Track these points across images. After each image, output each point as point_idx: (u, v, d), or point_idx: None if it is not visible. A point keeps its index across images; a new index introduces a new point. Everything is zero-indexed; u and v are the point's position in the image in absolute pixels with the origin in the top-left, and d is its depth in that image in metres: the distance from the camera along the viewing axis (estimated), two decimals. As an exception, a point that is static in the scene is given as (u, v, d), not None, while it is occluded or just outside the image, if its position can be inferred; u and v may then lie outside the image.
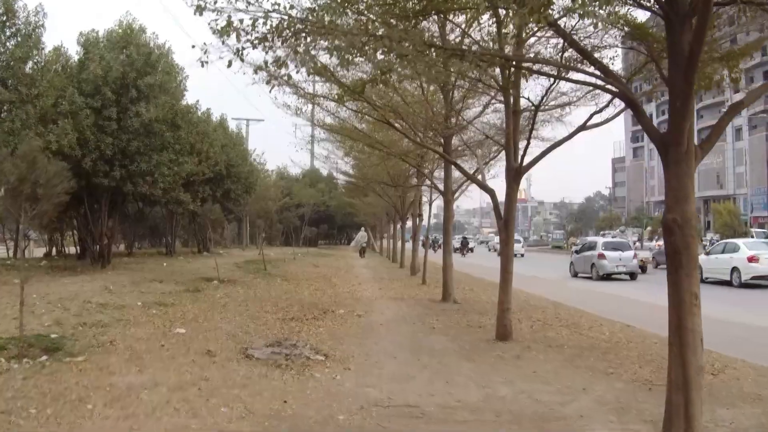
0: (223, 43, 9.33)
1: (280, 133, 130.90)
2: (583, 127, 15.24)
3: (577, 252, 48.28)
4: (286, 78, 12.05)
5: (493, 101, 21.76)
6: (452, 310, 22.05)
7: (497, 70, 15.85)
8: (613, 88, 9.78)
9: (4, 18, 25.53)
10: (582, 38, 12.72)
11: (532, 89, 39.81)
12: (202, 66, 9.74)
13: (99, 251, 32.12)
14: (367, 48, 9.26)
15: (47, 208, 13.19)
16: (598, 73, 9.85)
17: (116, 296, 21.25)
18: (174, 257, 43.54)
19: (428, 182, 32.91)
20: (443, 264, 25.12)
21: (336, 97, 19.65)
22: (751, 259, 33.45)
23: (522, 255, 71.23)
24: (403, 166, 35.93)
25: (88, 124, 27.55)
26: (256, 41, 9.35)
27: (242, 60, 9.83)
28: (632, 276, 41.04)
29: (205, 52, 9.68)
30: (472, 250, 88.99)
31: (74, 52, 30.72)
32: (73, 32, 73.04)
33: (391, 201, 47.25)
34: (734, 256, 35.17)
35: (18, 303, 12.92)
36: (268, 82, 10.57)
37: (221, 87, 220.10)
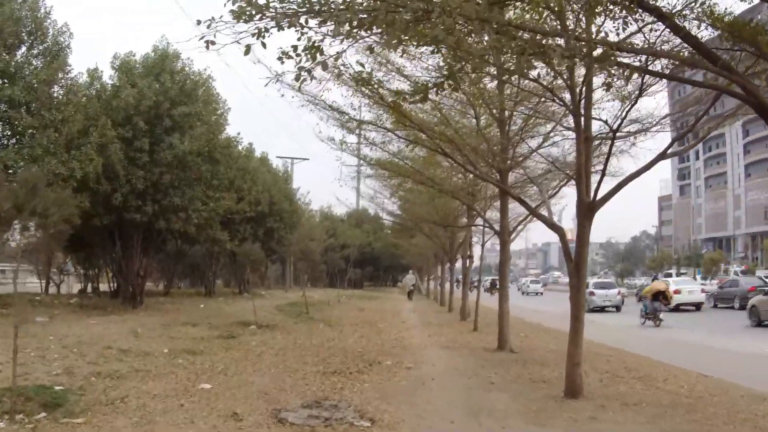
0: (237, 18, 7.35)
1: (326, 171, 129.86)
2: (663, 156, 13.33)
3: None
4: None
5: (558, 128, 19.84)
6: (510, 360, 19.77)
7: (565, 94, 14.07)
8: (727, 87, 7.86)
9: (33, 37, 24.15)
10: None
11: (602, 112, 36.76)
12: (207, 48, 7.55)
13: (131, 291, 30.53)
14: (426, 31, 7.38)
15: (45, 240, 11.47)
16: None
17: (142, 341, 19.72)
18: (213, 298, 41.99)
19: (480, 221, 30.95)
20: (499, 310, 22.74)
21: (384, 124, 17.89)
22: (675, 292, 44.29)
23: (541, 293, 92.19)
24: (453, 204, 34.30)
25: (120, 157, 26.04)
26: (283, 20, 7.40)
27: (264, 45, 7.85)
28: (617, 308, 51.44)
29: (208, 24, 7.45)
30: None
31: (108, 76, 29.33)
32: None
33: (440, 242, 45.21)
34: None
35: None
36: (297, 78, 8.40)
37: (266, 125, 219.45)
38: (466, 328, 31.33)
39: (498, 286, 32.75)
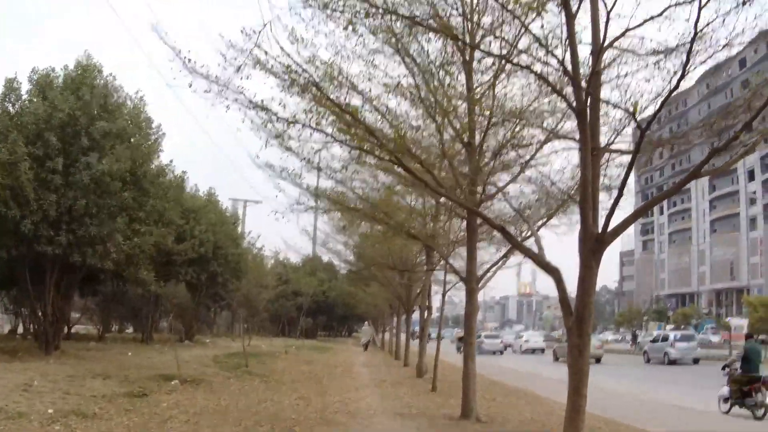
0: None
1: (281, 217, 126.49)
2: (696, 173, 9.95)
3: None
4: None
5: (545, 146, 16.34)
6: (478, 436, 16.09)
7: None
8: None
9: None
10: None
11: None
12: None
13: (44, 334, 26.83)
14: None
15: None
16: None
17: (29, 398, 16.13)
18: (150, 345, 38.08)
19: (441, 266, 27.52)
20: (464, 370, 18.92)
21: (323, 126, 13.81)
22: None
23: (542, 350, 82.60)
24: (411, 249, 31.30)
25: (29, 178, 22.49)
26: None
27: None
28: (501, 353, 78.17)
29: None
30: None
31: (25, 91, 25.75)
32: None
33: (396, 291, 41.86)
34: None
35: None
36: None
37: (216, 166, 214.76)
38: (423, 387, 27.52)
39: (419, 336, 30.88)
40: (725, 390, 23.57)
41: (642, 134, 9.66)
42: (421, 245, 29.46)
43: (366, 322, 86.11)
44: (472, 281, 19.14)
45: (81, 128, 24.22)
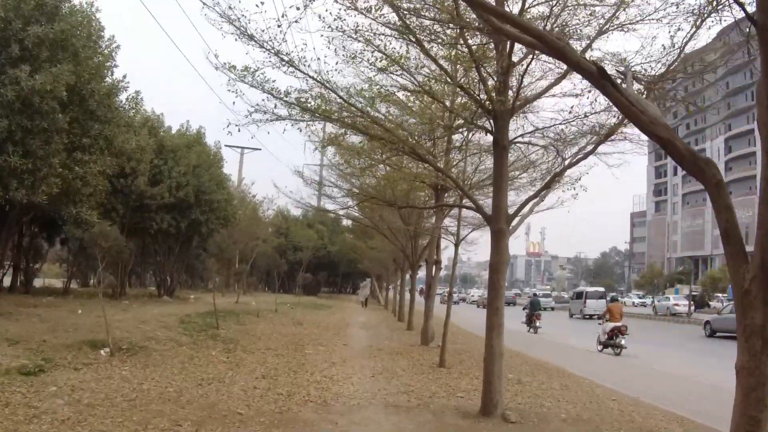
0: None
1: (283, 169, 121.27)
2: None
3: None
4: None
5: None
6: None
7: None
8: None
9: None
10: None
11: None
12: None
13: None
14: None
15: None
16: None
17: None
18: (119, 300, 32.93)
19: (453, 216, 22.50)
20: (487, 348, 13.60)
21: None
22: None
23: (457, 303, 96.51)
24: (418, 193, 27.68)
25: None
26: None
27: None
28: (458, 303, 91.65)
29: None
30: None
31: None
32: None
33: (400, 244, 36.99)
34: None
35: None
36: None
37: (213, 112, 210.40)
38: (428, 359, 22.07)
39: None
40: (600, 334, 33.37)
41: None
42: (430, 190, 24.51)
43: (366, 279, 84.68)
44: (500, 220, 13.47)
45: (11, 35, 19.41)
